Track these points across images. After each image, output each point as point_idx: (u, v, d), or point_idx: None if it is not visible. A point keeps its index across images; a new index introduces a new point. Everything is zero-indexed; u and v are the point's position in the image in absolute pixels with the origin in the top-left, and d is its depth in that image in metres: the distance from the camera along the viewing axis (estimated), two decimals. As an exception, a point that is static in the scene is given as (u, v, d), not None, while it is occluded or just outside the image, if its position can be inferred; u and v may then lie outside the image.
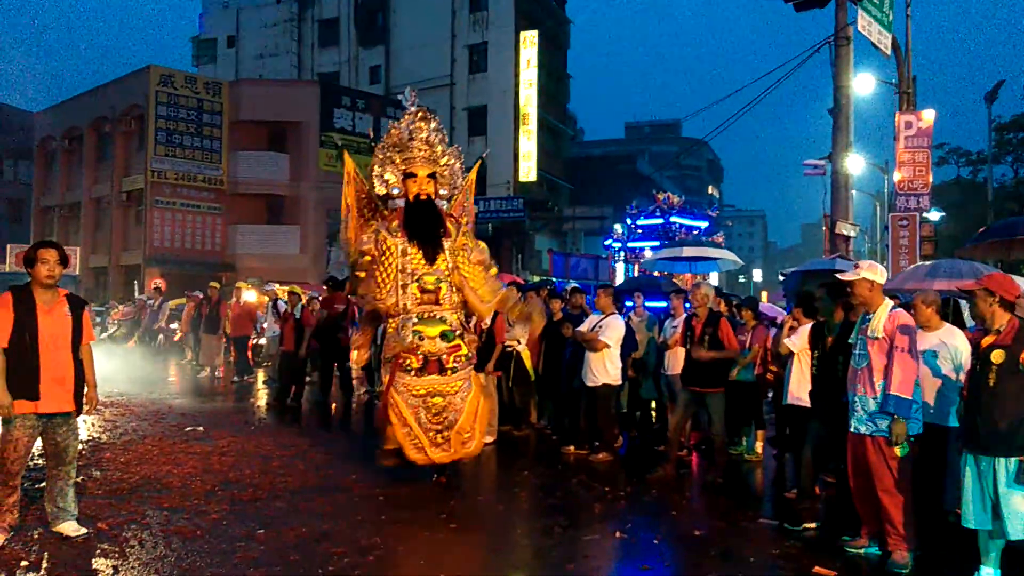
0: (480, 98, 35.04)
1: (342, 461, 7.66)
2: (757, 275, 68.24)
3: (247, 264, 29.22)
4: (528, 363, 9.20)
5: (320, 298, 12.79)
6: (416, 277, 6.50)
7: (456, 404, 6.44)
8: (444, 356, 6.39)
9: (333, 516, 5.75)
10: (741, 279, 62.11)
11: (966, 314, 7.51)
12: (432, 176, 6.78)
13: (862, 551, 5.13)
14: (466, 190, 7.54)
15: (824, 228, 13.89)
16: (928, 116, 13.39)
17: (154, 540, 5.10)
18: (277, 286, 18.37)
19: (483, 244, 7.01)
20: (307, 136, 30.94)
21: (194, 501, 6.04)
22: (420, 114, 6.86)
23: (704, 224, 25.44)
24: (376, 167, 6.87)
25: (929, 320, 5.75)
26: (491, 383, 8.87)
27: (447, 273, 6.58)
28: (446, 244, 6.64)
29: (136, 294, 25.04)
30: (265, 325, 16.78)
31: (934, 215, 14.79)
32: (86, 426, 9.05)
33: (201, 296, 16.39)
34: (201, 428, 9.28)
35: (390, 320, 6.61)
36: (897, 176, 13.55)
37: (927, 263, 9.60)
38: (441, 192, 6.85)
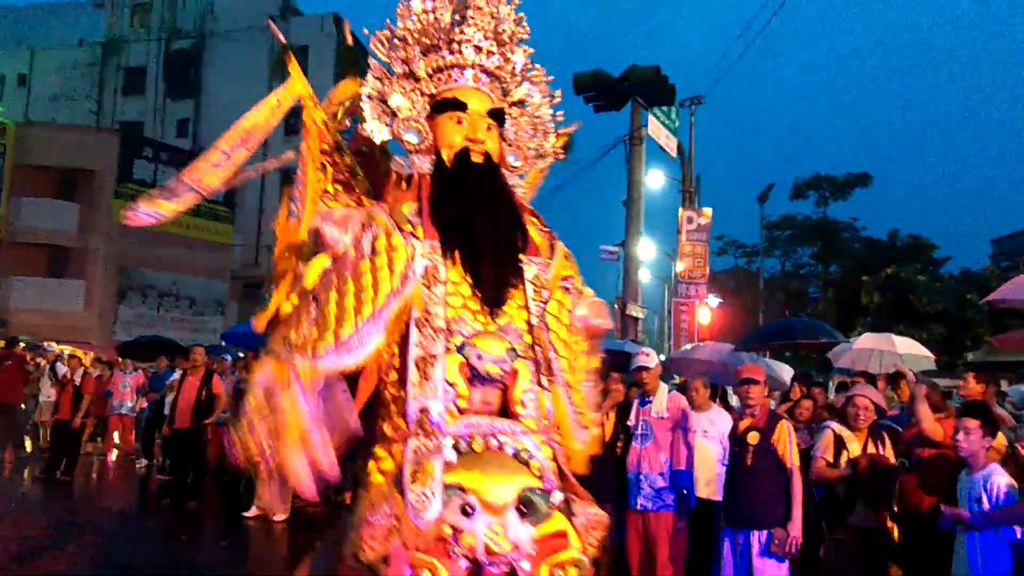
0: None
1: (119, 542, 7.13)
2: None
3: (23, 319, 26.52)
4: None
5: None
6: (461, 342, 2.40)
7: None
8: (527, 558, 2.16)
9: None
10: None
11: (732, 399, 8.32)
12: (497, 117, 2.72)
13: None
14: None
15: (617, 308, 14.91)
16: (707, 212, 14.88)
17: None
18: (56, 345, 16.93)
19: (589, 290, 2.87)
20: (101, 186, 28.96)
21: (-63, 591, 5.41)
22: None
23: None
24: (371, 80, 2.76)
25: (704, 401, 6.34)
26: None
27: (529, 340, 2.51)
28: (528, 270, 2.60)
29: None
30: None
31: (713, 301, 16.25)
32: None
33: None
34: (-49, 506, 8.30)
35: (376, 451, 2.39)
36: (680, 266, 14.87)
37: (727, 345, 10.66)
38: (510, 160, 2.81)
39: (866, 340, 10.51)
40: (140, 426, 13.10)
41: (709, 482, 6.04)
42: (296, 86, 2.77)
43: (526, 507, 2.17)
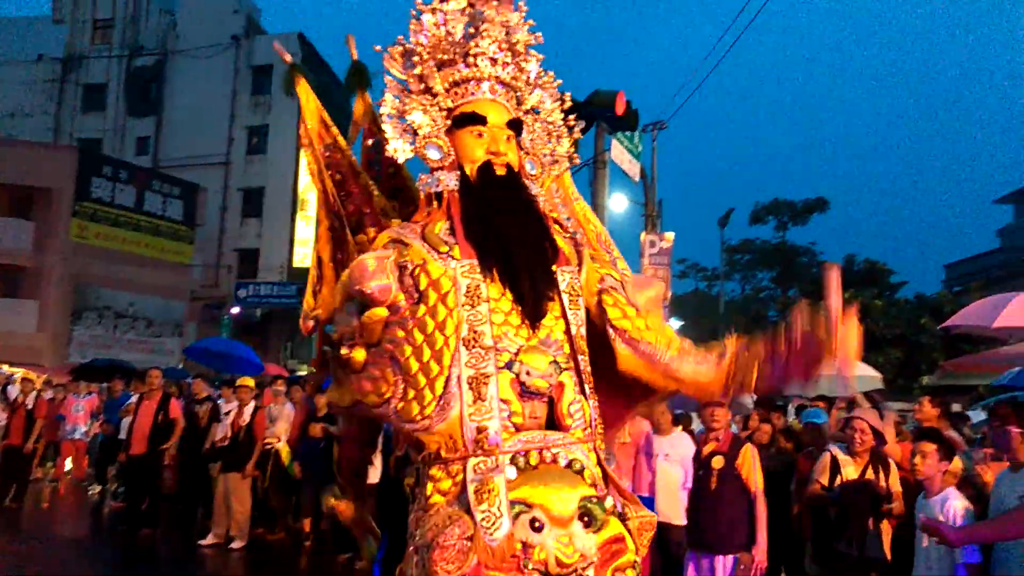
0: (258, 180, 34.23)
1: (71, 571, 6.93)
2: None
3: (-30, 341, 25.86)
4: (287, 461, 8.90)
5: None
6: (508, 359, 2.36)
7: None
8: (592, 566, 2.18)
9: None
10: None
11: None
12: (514, 127, 2.68)
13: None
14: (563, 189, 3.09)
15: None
16: (669, 236, 15.03)
17: None
18: (7, 367, 16.53)
19: (628, 272, 2.91)
20: (58, 204, 28.36)
21: None
22: None
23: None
24: (389, 99, 2.67)
25: (667, 425, 6.36)
26: (246, 484, 8.48)
27: (568, 352, 2.45)
28: (562, 280, 2.55)
29: None
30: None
31: (675, 324, 16.39)
32: None
33: None
34: None
35: (432, 472, 2.33)
36: (644, 289, 14.97)
37: None
38: (528, 168, 2.71)
39: (813, 365, 10.65)
40: (94, 450, 12.78)
41: (671, 506, 6.06)
42: (309, 103, 3.00)
43: (585, 516, 2.18)
